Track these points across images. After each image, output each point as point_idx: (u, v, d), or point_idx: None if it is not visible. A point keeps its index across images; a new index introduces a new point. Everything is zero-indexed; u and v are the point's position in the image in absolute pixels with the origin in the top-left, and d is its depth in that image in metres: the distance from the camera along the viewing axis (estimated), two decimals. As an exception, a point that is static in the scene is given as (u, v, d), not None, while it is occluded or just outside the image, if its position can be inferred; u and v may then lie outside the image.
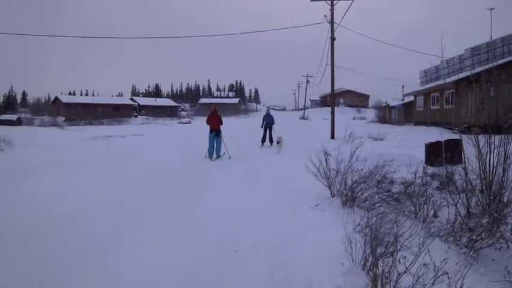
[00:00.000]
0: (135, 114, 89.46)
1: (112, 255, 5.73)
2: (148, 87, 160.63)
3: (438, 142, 11.65)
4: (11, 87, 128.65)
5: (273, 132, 21.78)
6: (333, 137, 25.78)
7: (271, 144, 21.41)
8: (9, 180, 11.84)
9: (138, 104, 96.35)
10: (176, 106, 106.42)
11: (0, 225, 7.04)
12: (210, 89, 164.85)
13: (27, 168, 14.41)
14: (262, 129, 22.31)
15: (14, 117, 68.10)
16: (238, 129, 28.98)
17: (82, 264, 5.42)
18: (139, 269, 5.25)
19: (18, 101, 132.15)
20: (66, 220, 7.42)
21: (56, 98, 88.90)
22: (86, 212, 8.07)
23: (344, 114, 64.58)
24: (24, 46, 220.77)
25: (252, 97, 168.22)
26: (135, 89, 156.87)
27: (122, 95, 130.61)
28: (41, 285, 4.84)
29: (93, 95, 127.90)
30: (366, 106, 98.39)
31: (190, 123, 66.24)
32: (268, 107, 21.85)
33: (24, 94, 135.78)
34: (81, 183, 11.49)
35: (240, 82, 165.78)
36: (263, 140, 21.97)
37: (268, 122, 22.11)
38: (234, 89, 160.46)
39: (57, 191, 10.14)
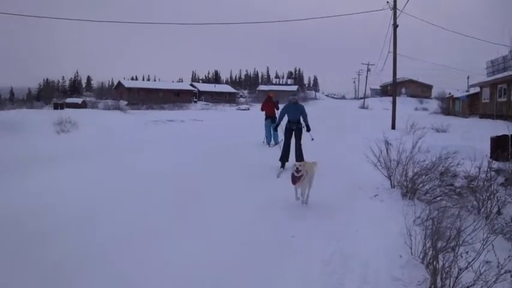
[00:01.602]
0: (194, 99, 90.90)
1: (159, 238, 5.95)
2: (208, 73, 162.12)
3: (505, 136, 11.24)
4: (77, 72, 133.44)
5: (305, 139, 11.73)
6: (393, 127, 25.28)
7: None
8: (70, 160, 12.67)
9: (198, 90, 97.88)
10: (235, 92, 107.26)
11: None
12: (268, 76, 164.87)
13: (89, 149, 15.35)
14: (279, 134, 13.79)
15: (79, 100, 71.44)
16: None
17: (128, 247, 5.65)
18: (200, 247, 5.44)
19: (83, 85, 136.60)
20: (107, 202, 7.70)
21: (119, 83, 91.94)
22: (138, 193, 8.41)
23: (405, 105, 62.97)
24: (89, 32, 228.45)
25: (311, 85, 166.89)
26: (195, 75, 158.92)
27: (182, 81, 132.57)
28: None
29: (155, 80, 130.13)
30: (428, 97, 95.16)
31: (248, 109, 66.57)
32: (294, 94, 13.11)
33: (88, 79, 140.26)
34: (133, 165, 12.01)
35: (299, 69, 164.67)
36: (284, 159, 11.50)
37: (292, 121, 11.69)
38: (293, 76, 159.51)
39: (102, 175, 10.51)
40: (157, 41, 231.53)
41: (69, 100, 73.19)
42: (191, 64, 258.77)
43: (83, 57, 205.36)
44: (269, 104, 16.74)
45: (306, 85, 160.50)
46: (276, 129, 12.41)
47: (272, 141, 16.42)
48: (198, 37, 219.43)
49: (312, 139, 11.49)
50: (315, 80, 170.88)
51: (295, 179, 7.23)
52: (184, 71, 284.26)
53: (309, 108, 15.05)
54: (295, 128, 11.66)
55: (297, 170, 7.24)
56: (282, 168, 11.27)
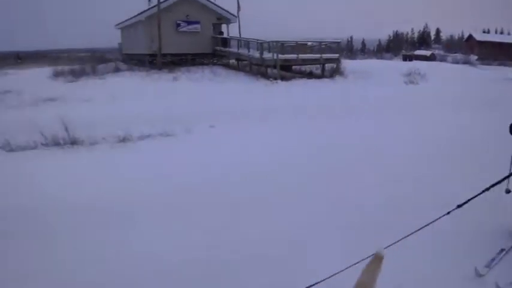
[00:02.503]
0: None
1: None
2: None
3: None
4: (426, 25, 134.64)
5: None
6: None
7: None
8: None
9: None
10: None
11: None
12: None
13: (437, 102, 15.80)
14: None
15: (427, 53, 72.14)
16: None
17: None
18: None
19: (432, 37, 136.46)
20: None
21: (470, 36, 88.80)
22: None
23: None
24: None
25: None
26: None
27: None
28: None
29: (509, 34, 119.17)
30: None
31: None
32: None
33: (437, 31, 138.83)
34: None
35: None
36: None
37: None
38: None
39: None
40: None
41: (417, 52, 74.30)
42: None
43: (433, 10, 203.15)
44: None
45: None
46: None
47: None
48: None
49: None
50: None
51: None
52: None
53: None
54: None
55: None
56: None
